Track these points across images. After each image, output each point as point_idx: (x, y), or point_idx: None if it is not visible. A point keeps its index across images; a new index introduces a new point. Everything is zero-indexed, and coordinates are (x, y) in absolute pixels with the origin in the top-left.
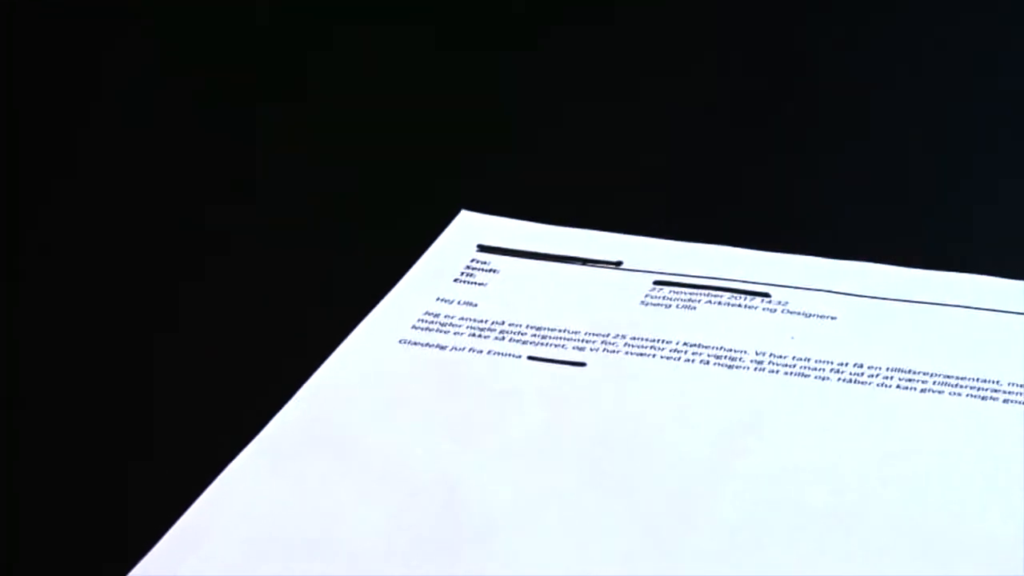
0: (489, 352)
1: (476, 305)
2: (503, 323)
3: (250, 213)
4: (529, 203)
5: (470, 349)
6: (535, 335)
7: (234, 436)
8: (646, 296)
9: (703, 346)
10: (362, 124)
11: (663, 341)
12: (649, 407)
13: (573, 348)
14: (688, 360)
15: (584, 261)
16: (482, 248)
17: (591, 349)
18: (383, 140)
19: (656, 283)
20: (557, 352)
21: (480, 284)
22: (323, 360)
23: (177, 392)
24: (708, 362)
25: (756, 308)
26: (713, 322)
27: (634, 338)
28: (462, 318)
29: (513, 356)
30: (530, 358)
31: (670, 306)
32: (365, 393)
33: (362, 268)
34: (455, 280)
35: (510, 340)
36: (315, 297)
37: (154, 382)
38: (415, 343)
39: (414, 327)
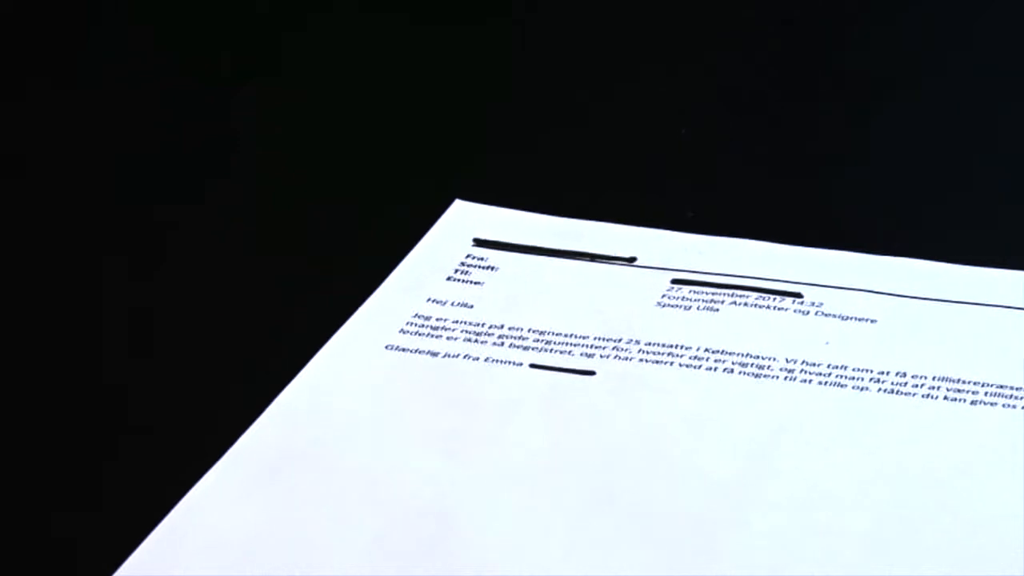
0: (487, 359)
1: (472, 306)
2: (502, 327)
3: (214, 208)
4: (531, 193)
5: (465, 356)
6: (538, 340)
7: (200, 453)
8: (663, 296)
9: (727, 353)
10: (349, 109)
11: (682, 347)
12: (666, 422)
13: (581, 355)
14: (710, 368)
15: (593, 257)
16: (478, 242)
17: (601, 356)
18: (372, 126)
19: (674, 282)
20: (563, 359)
21: (476, 283)
22: (300, 368)
23: (143, 402)
24: (732, 371)
25: (787, 310)
26: (738, 326)
27: (649, 344)
28: (456, 321)
29: (513, 364)
30: (532, 366)
31: (690, 308)
32: (346, 406)
33: (346, 264)
34: (448, 278)
35: (510, 346)
36: (293, 297)
37: (120, 388)
38: (403, 349)
39: (402, 331)
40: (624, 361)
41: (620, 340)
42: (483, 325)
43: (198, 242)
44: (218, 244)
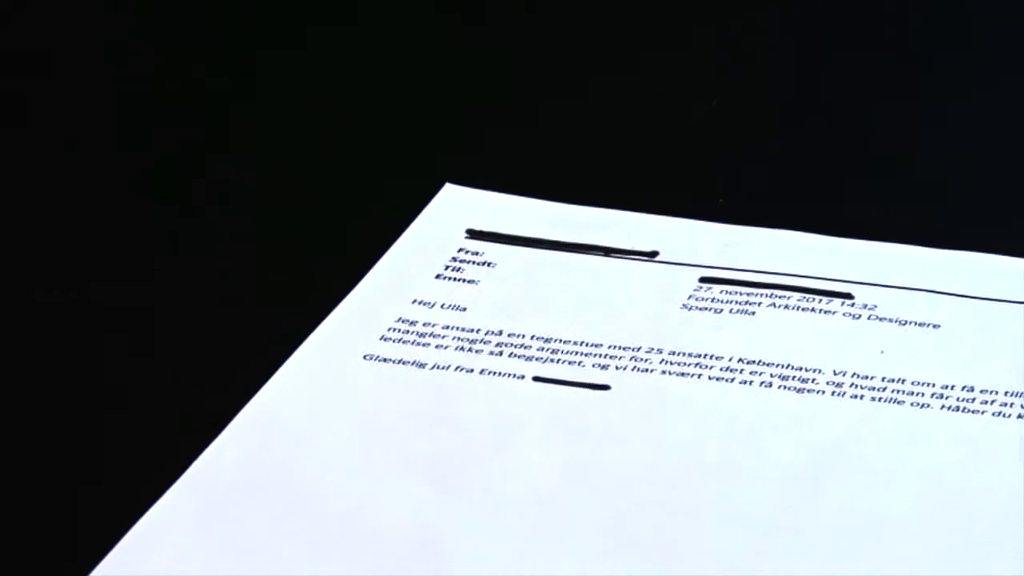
0: (482, 371)
1: (465, 309)
2: (500, 333)
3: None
4: (533, 176)
5: (457, 367)
6: (543, 349)
7: (153, 478)
8: (689, 297)
9: (764, 363)
10: (329, 85)
11: (712, 357)
12: (694, 446)
13: (593, 366)
14: (745, 382)
15: (607, 251)
16: (472, 234)
17: (617, 367)
18: (354, 106)
19: (703, 280)
20: (572, 371)
21: (470, 281)
22: (266, 380)
23: (87, 423)
24: (771, 385)
25: (834, 313)
26: (778, 332)
27: (673, 353)
28: (447, 326)
29: (514, 376)
30: (536, 379)
31: (721, 310)
32: (315, 427)
33: (323, 259)
34: (437, 276)
35: (510, 356)
36: (262, 296)
37: (70, 401)
38: (385, 359)
39: (384, 338)
40: (644, 373)
41: (639, 349)
42: (478, 331)
43: (182, 237)
44: (204, 240)
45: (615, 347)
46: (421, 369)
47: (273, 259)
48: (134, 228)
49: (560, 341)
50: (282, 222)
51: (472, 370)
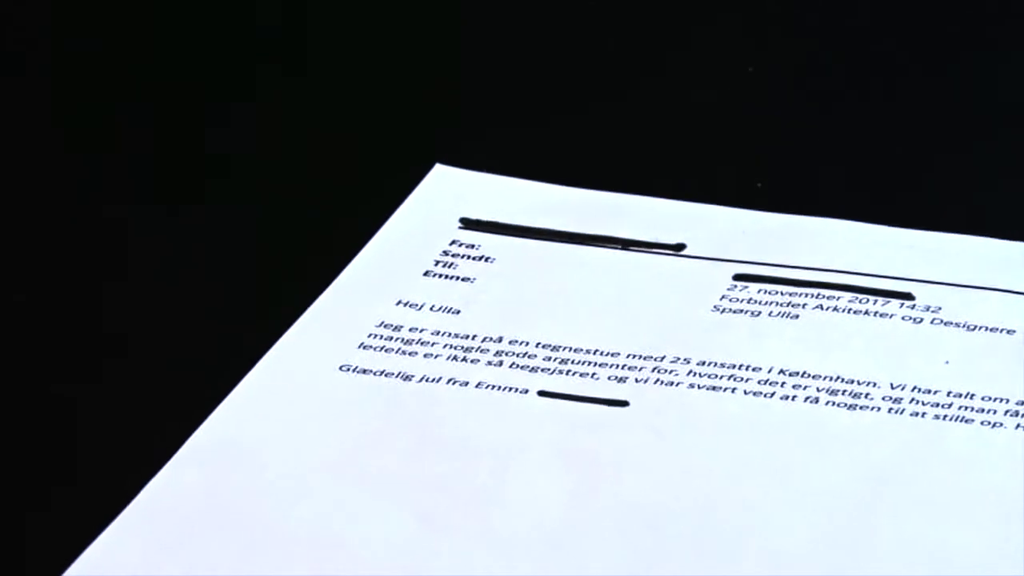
0: (479, 385)
1: (458, 312)
2: (500, 340)
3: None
4: (536, 155)
5: (450, 380)
6: (550, 359)
7: (97, 508)
8: (722, 298)
9: (810, 375)
10: (308, 56)
11: (748, 368)
12: (727, 473)
13: (609, 379)
14: (787, 397)
15: (625, 244)
16: (467, 223)
17: (637, 380)
18: (334, 81)
19: (737, 278)
20: (584, 384)
21: (465, 279)
22: (225, 396)
23: (46, 431)
24: (817, 400)
25: (891, 316)
26: (826, 338)
27: (704, 363)
28: (437, 332)
29: (516, 391)
30: (542, 394)
31: (759, 313)
32: (284, 449)
33: (291, 254)
34: (426, 273)
35: (512, 366)
36: (230, 297)
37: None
38: (364, 371)
39: (363, 346)
40: (669, 387)
41: (663, 358)
42: (474, 338)
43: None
44: (154, 235)
45: (635, 356)
46: (407, 383)
47: (233, 254)
48: (88, 224)
49: (570, 349)
50: (243, 214)
51: (467, 384)
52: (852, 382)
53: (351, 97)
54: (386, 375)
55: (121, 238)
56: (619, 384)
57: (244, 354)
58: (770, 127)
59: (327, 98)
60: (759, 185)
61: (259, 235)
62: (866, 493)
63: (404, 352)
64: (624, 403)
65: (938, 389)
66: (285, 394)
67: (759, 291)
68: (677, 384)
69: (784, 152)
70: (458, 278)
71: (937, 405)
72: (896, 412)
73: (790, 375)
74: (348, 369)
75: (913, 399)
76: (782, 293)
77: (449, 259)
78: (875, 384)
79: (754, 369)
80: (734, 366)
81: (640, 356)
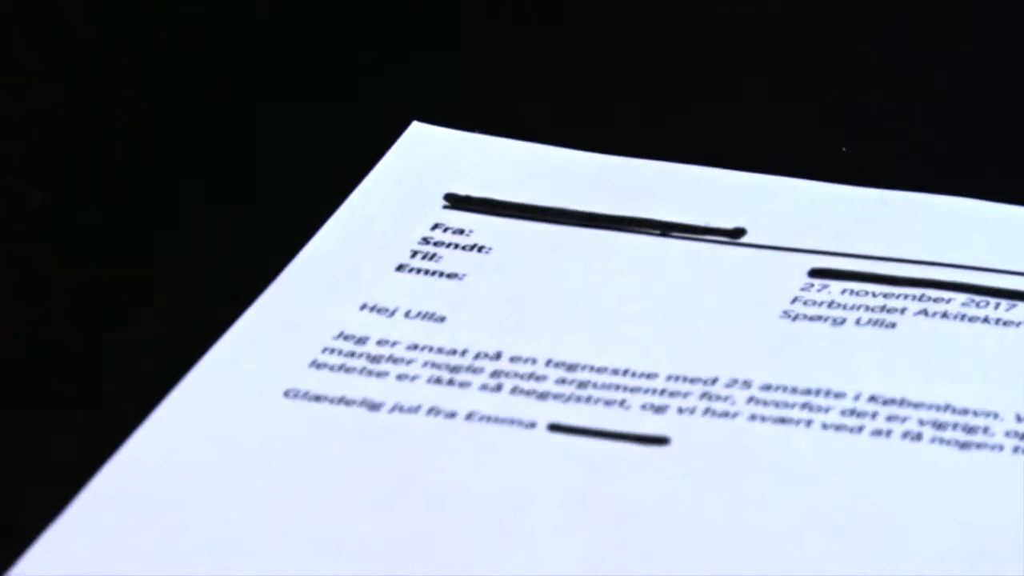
0: (470, 416)
1: (443, 319)
2: (498, 356)
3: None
4: (538, 112)
5: (431, 410)
6: (564, 381)
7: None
8: (794, 300)
9: (911, 403)
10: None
11: (829, 393)
12: (798, 531)
13: (644, 408)
14: (880, 432)
15: (664, 228)
16: (454, 201)
17: (680, 410)
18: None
19: (815, 274)
20: (610, 416)
21: (451, 275)
22: (129, 433)
23: None
24: (920, 436)
25: (1020, 324)
26: (932, 354)
27: (768, 388)
28: (415, 346)
29: (519, 424)
30: (554, 428)
31: (843, 321)
32: (207, 503)
33: (241, 237)
34: (400, 267)
35: (513, 391)
36: (155, 294)
37: None
38: (317, 397)
39: (316, 364)
40: (722, 419)
41: (715, 381)
42: (464, 353)
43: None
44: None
45: (677, 378)
46: (374, 413)
47: (170, 241)
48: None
49: (591, 369)
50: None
51: (454, 414)
52: (966, 413)
53: (297, 39)
54: (346, 403)
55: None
56: (656, 415)
57: (157, 379)
58: (862, 64)
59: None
60: (845, 150)
61: (180, 211)
62: (982, 556)
63: (371, 372)
64: (663, 440)
65: None
66: (208, 430)
67: (843, 291)
68: (733, 416)
69: (876, 104)
70: (442, 274)
71: None
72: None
73: (884, 403)
74: (295, 395)
75: None
76: (874, 294)
77: (430, 249)
78: (996, 416)
79: (836, 396)
80: (809, 391)
81: (684, 378)
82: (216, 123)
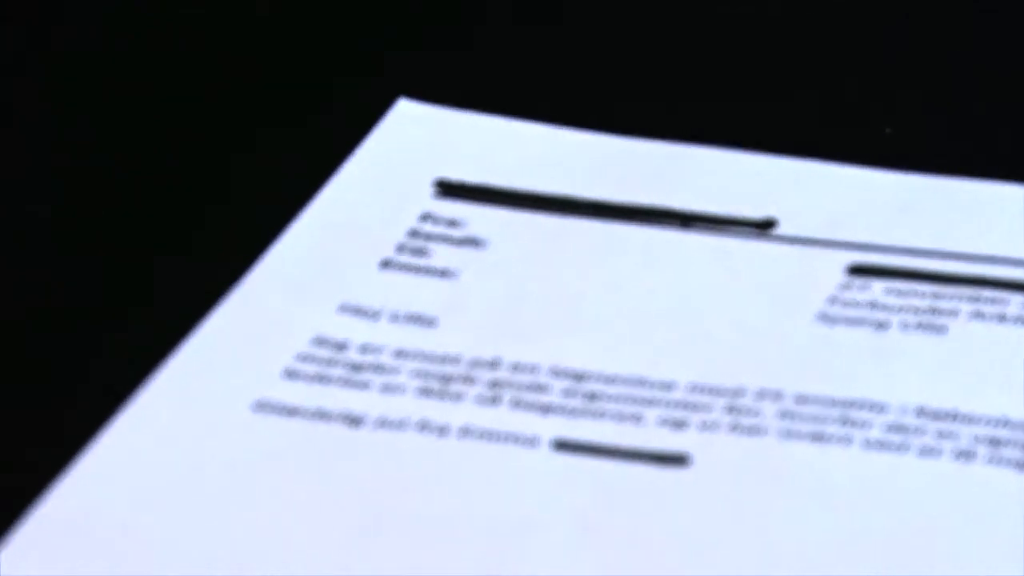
0: (465, 432)
1: (434, 322)
2: (495, 364)
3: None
4: (538, 86)
5: (420, 425)
6: (571, 392)
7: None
8: (831, 301)
9: (965, 418)
10: None
11: (870, 407)
12: (836, 561)
13: (659, 422)
14: (928, 451)
15: (684, 219)
16: (446, 189)
17: (703, 425)
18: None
19: (855, 271)
20: (622, 432)
21: (443, 273)
22: (82, 447)
23: None
24: (974, 455)
25: None
26: (988, 362)
27: (802, 400)
28: (401, 352)
29: (521, 441)
30: (560, 446)
31: (888, 325)
32: (163, 531)
33: (209, 231)
34: (385, 264)
35: (514, 404)
36: (106, 294)
37: None
38: (291, 411)
39: (289, 374)
40: (750, 436)
41: (742, 392)
42: (456, 361)
43: None
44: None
45: (699, 389)
46: (355, 429)
47: (132, 235)
48: None
49: (600, 378)
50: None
51: (446, 430)
52: None
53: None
54: (323, 418)
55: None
56: (675, 431)
57: (111, 390)
58: (908, 42)
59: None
60: (888, 131)
61: (143, 197)
62: None
63: (351, 383)
64: (683, 460)
65: None
66: (166, 450)
67: (886, 290)
68: (763, 431)
69: (929, 80)
70: (432, 271)
71: None
72: None
73: (933, 418)
74: (266, 409)
75: None
76: (921, 294)
77: (420, 243)
78: None
79: (879, 410)
80: (848, 405)
81: (707, 389)
82: (211, 121)
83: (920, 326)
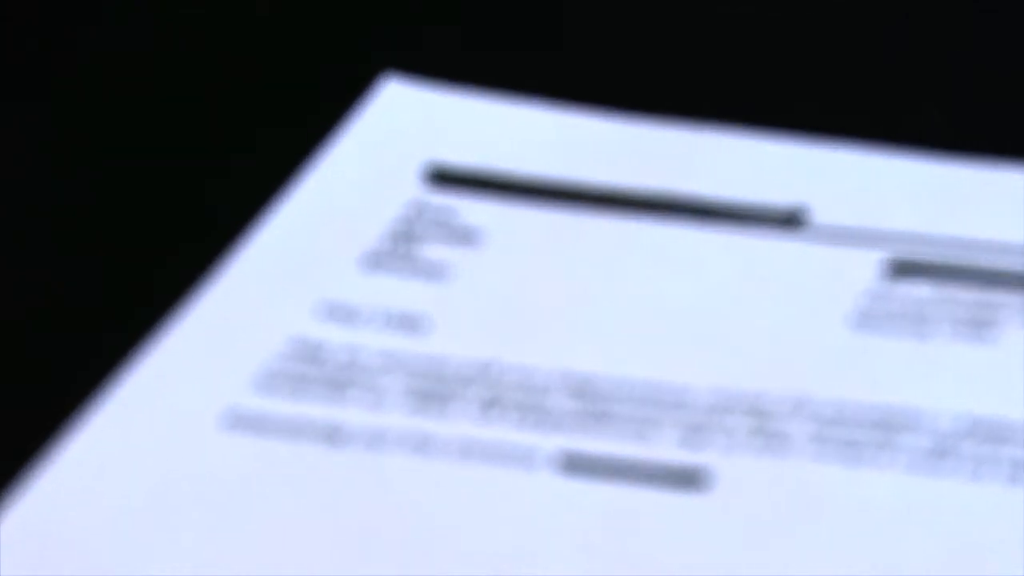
0: (455, 449)
1: (423, 325)
2: (495, 371)
3: None
4: (543, 62)
5: (407, 440)
6: (577, 406)
7: None
8: (870, 302)
9: (1016, 435)
10: None
11: (914, 423)
12: None
13: (676, 442)
14: (978, 473)
15: (702, 211)
16: (438, 177)
17: (725, 444)
18: None
19: (892, 268)
20: (634, 449)
21: (433, 270)
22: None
23: None
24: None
25: None
26: None
27: (837, 414)
28: (386, 358)
29: (518, 458)
30: (563, 465)
31: (929, 329)
32: (127, 549)
33: (163, 221)
34: (367, 260)
35: (510, 416)
36: (60, 298)
37: None
38: (262, 428)
39: (260, 387)
40: (777, 455)
41: (768, 406)
42: (448, 368)
43: None
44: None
45: (720, 402)
46: (335, 445)
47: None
48: None
49: (610, 389)
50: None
51: (437, 446)
52: None
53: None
54: (300, 432)
55: None
56: (693, 450)
57: (67, 398)
58: (951, 21)
59: None
60: (934, 115)
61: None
62: None
63: (330, 399)
64: (701, 480)
65: None
66: (126, 468)
67: (929, 291)
68: (791, 450)
69: (968, 57)
70: (422, 268)
71: None
72: None
73: (983, 436)
74: (235, 422)
75: None
76: (970, 297)
77: (410, 240)
78: None
79: (922, 426)
80: (887, 420)
81: (729, 402)
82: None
83: (966, 331)
